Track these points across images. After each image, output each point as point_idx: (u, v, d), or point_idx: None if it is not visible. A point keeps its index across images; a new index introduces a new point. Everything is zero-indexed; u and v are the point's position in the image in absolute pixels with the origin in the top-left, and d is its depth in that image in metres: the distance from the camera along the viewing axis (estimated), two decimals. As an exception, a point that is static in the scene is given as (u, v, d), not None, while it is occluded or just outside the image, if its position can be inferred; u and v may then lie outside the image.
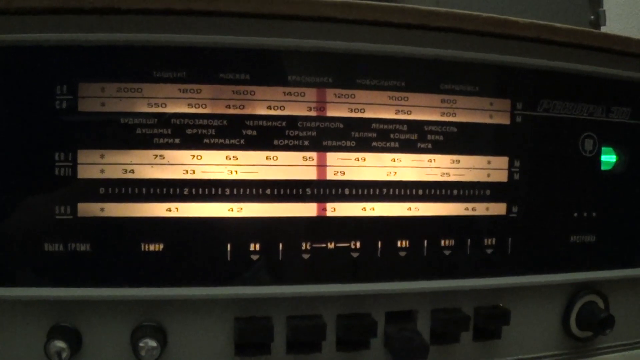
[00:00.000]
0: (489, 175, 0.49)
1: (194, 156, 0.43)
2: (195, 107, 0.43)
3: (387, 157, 0.46)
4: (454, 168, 0.48)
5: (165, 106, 0.43)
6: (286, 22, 0.44)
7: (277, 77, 0.44)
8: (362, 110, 0.46)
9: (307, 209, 0.45)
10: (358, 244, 0.46)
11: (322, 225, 0.45)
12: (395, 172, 0.46)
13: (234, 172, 0.44)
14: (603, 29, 0.67)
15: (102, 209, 0.42)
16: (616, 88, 0.52)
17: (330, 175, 0.45)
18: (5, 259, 0.42)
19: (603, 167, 0.53)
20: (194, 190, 0.43)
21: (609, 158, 0.53)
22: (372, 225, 0.46)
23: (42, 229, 0.42)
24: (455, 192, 0.48)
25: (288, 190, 0.45)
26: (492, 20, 0.48)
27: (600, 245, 0.53)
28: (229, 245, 0.44)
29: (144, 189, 0.43)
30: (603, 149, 0.52)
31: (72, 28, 0.41)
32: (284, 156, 0.44)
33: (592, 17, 0.66)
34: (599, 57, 0.51)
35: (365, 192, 0.46)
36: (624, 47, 0.52)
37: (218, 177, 0.43)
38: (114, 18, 0.42)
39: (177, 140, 0.43)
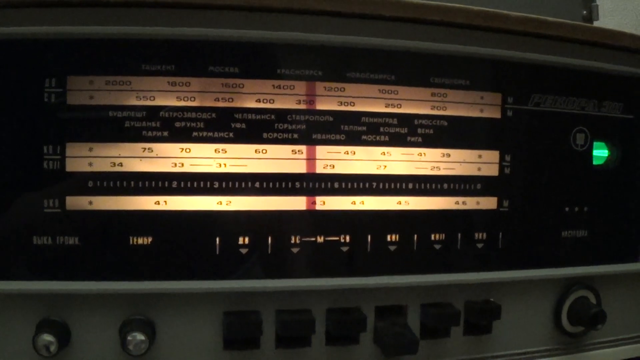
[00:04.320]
0: (479, 169, 0.49)
1: (182, 149, 0.44)
2: (184, 100, 0.44)
3: (377, 150, 0.47)
4: (444, 162, 0.48)
5: (154, 99, 0.43)
6: (276, 15, 0.45)
7: (266, 70, 0.45)
8: (352, 104, 0.46)
9: (296, 203, 0.46)
10: (348, 238, 0.47)
11: (311, 219, 0.46)
12: (385, 166, 0.47)
13: (222, 165, 0.44)
14: (596, 24, 0.67)
15: (90, 202, 0.43)
16: (608, 82, 0.53)
17: (319, 169, 0.46)
18: (-6, 252, 0.42)
19: (595, 162, 0.53)
20: (182, 183, 0.44)
21: (601, 153, 0.53)
22: (361, 219, 0.47)
23: (31, 222, 0.42)
24: (445, 186, 0.49)
25: (277, 184, 0.45)
26: (483, 14, 0.48)
27: (592, 240, 0.53)
28: (217, 239, 0.45)
29: (132, 182, 0.43)
30: (595, 143, 0.53)
31: (61, 21, 0.42)
32: (273, 149, 0.45)
33: (585, 11, 0.66)
34: (590, 51, 0.52)
35: (355, 185, 0.47)
36: (616, 41, 0.52)
37: (207, 170, 0.44)
38: (103, 11, 0.42)
39: (165, 134, 0.43)
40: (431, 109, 0.48)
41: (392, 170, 0.47)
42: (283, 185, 0.45)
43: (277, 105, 0.45)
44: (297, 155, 0.46)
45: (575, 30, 0.51)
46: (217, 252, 0.45)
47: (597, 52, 0.52)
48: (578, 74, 0.52)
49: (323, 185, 0.46)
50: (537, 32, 0.50)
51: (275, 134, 0.45)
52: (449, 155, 0.48)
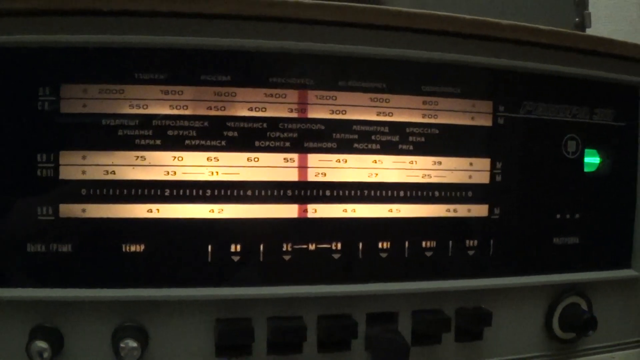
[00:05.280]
0: (470, 176, 0.50)
1: (175, 157, 0.44)
2: (177, 109, 0.44)
3: (368, 158, 0.48)
4: (435, 170, 0.49)
5: (147, 107, 0.44)
6: (267, 24, 0.45)
7: (258, 78, 0.46)
8: (344, 112, 0.47)
9: (288, 210, 0.46)
10: (339, 246, 0.47)
11: (303, 227, 0.47)
12: (377, 174, 0.48)
13: (215, 174, 0.45)
14: (590, 31, 0.68)
15: (83, 210, 0.43)
16: (600, 90, 0.54)
17: (311, 177, 0.47)
18: (-12, 259, 0.43)
19: (586, 169, 0.54)
20: (175, 191, 0.44)
21: (592, 160, 0.54)
22: (353, 226, 0.48)
23: (25, 229, 0.43)
24: (436, 193, 0.49)
25: (269, 192, 0.46)
26: (475, 23, 0.49)
27: (583, 246, 0.54)
28: (210, 247, 0.45)
29: (125, 190, 0.44)
30: (586, 150, 0.54)
31: (55, 30, 0.42)
32: (265, 157, 0.46)
33: (577, 19, 0.67)
34: (582, 58, 0.53)
35: (347, 193, 0.47)
36: (608, 48, 0.53)
37: (199, 179, 0.45)
38: (97, 20, 0.43)
39: (158, 142, 0.44)
40: (422, 117, 0.49)
41: (384, 178, 0.48)
42: (275, 193, 0.46)
43: (269, 113, 0.46)
44: (288, 164, 0.46)
45: (566, 37, 0.52)
46: (209, 260, 0.45)
47: (589, 60, 0.53)
48: (570, 82, 0.53)
49: (315, 193, 0.47)
50: (528, 40, 0.50)
51: (267, 142, 0.46)
52: (440, 163, 0.49)
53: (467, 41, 0.49)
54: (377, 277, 0.48)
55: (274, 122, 0.46)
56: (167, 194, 0.44)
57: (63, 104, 0.43)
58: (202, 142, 0.45)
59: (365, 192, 0.48)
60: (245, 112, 0.45)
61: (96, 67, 0.43)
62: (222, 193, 0.45)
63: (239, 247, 0.46)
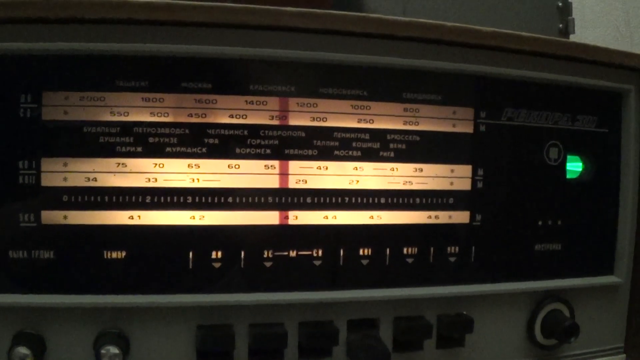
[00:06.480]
0: (452, 183, 0.50)
1: (156, 164, 0.45)
2: (158, 116, 0.45)
3: (349, 165, 0.48)
4: (416, 176, 0.50)
5: (128, 115, 0.44)
6: (248, 31, 0.46)
7: (239, 86, 0.46)
8: (325, 119, 0.48)
9: (269, 217, 0.47)
10: (320, 252, 0.48)
11: (284, 234, 0.47)
12: (358, 181, 0.48)
13: (196, 180, 0.45)
14: (577, 36, 0.68)
15: (65, 217, 0.44)
16: (582, 96, 0.54)
17: (292, 184, 0.47)
18: (-30, 266, 0.43)
19: (569, 176, 0.54)
20: (156, 198, 0.45)
21: (574, 166, 0.54)
22: (334, 233, 0.48)
23: (7, 236, 0.43)
24: (418, 200, 0.50)
25: (250, 199, 0.46)
26: (456, 30, 0.49)
27: (565, 253, 0.54)
28: (191, 253, 0.46)
29: (106, 197, 0.44)
30: (569, 157, 0.54)
31: (36, 37, 0.43)
32: (246, 164, 0.46)
33: (561, 25, 0.67)
34: (565, 65, 0.53)
35: (328, 200, 0.48)
36: (590, 55, 0.53)
37: (180, 185, 0.45)
38: (78, 27, 0.43)
39: (139, 149, 0.45)
40: (403, 124, 0.49)
41: (365, 185, 0.48)
42: (256, 200, 0.47)
43: (250, 120, 0.46)
44: (269, 171, 0.47)
45: (549, 44, 0.52)
46: (191, 267, 0.46)
47: (572, 66, 0.53)
48: (552, 88, 0.53)
49: (296, 200, 0.47)
50: (510, 47, 0.51)
51: (248, 149, 0.46)
52: (421, 170, 0.50)
53: (448, 48, 0.50)
54: (358, 284, 0.49)
55: (254, 129, 0.46)
56: (148, 200, 0.45)
57: (45, 111, 0.43)
58: (183, 149, 0.45)
59: (346, 199, 0.48)
60: (226, 120, 0.46)
61: (77, 75, 0.44)
62: (203, 200, 0.46)
63: (220, 254, 0.46)
